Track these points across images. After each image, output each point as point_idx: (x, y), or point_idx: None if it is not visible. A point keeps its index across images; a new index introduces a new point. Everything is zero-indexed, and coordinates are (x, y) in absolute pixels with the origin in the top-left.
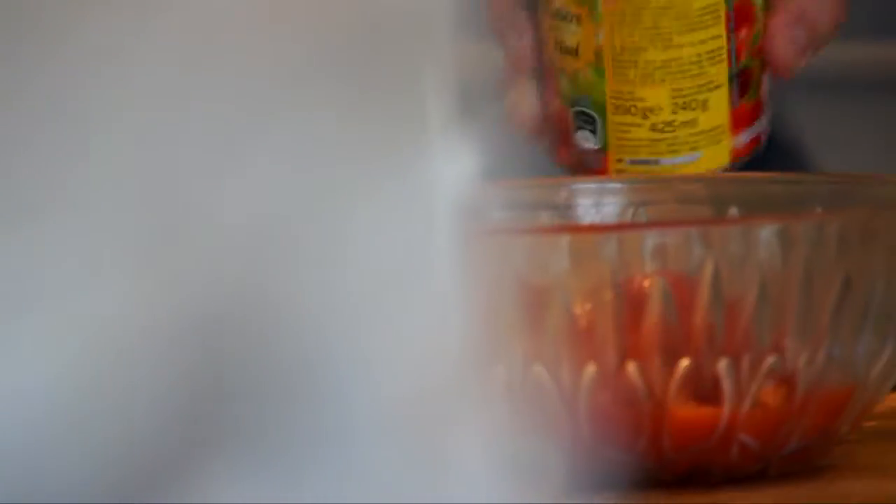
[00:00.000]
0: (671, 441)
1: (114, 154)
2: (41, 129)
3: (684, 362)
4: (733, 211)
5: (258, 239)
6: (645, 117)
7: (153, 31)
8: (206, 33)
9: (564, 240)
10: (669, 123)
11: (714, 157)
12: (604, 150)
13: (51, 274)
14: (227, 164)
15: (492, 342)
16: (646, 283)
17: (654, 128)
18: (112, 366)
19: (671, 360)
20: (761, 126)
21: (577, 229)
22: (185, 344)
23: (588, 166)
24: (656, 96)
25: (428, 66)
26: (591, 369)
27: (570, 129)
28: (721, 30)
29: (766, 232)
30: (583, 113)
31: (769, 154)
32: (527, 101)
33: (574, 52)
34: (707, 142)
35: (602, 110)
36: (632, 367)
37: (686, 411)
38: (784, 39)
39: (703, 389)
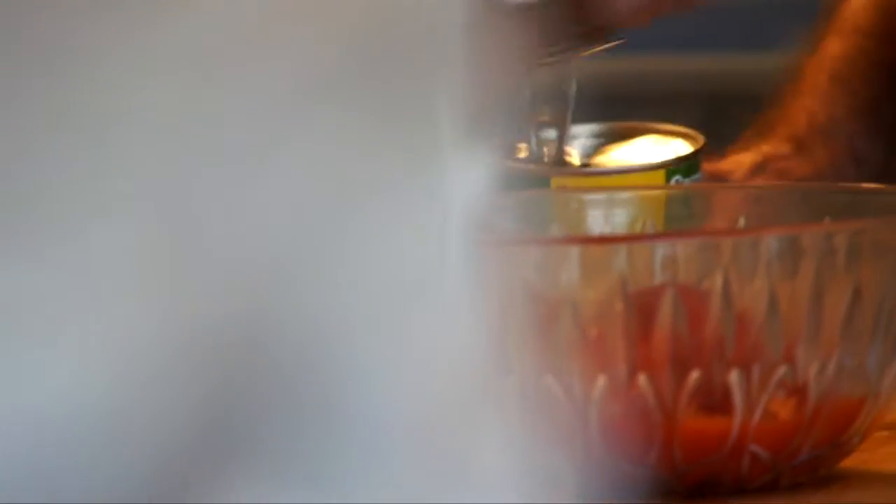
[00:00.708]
0: (682, 452)
1: (130, 167)
2: (56, 143)
3: (695, 373)
4: (742, 221)
5: (274, 251)
6: None
7: (168, 38)
8: (222, 41)
9: (575, 251)
10: None
11: None
12: None
13: (69, 294)
14: (243, 176)
15: (503, 353)
16: (656, 294)
17: None
18: (131, 382)
19: (682, 371)
20: None
21: (587, 240)
22: (204, 355)
23: None
24: None
25: (442, 76)
26: (601, 381)
27: None
28: None
29: (776, 242)
30: None
31: None
32: None
33: None
34: None
35: None
36: (642, 379)
37: (697, 422)
38: None
39: (714, 400)
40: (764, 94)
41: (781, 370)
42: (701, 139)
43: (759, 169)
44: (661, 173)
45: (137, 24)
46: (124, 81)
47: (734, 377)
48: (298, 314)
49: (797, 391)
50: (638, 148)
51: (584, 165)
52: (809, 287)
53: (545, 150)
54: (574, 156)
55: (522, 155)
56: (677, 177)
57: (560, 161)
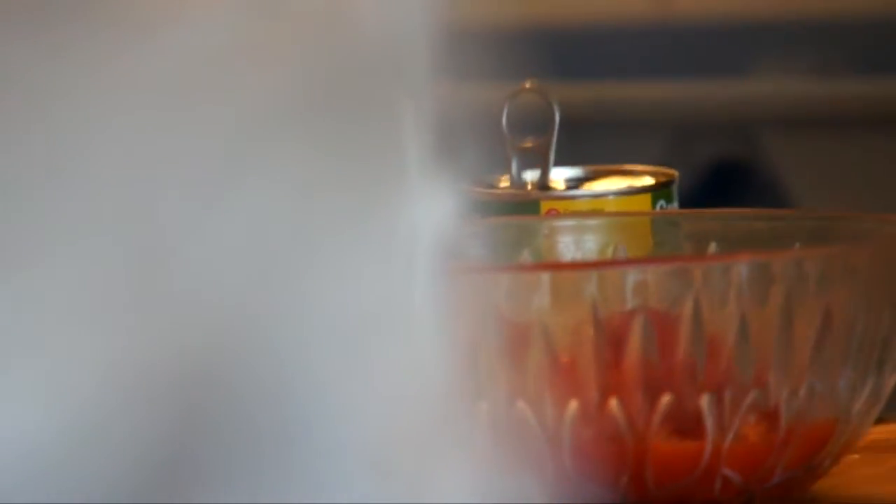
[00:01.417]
0: (654, 476)
1: (89, 200)
2: (14, 175)
3: (666, 398)
4: (713, 247)
5: (235, 283)
6: None
7: (129, 73)
8: (182, 76)
9: (545, 277)
10: None
11: None
12: None
13: (32, 325)
14: (204, 209)
15: (475, 380)
16: (627, 320)
17: None
18: (89, 415)
19: (653, 395)
20: None
21: (557, 267)
22: (165, 388)
23: None
24: None
25: (407, 105)
26: (573, 406)
27: None
28: None
29: (747, 268)
30: None
31: (748, 192)
32: None
33: None
34: None
35: None
36: (614, 403)
37: (669, 446)
38: None
39: (686, 424)
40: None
41: (753, 394)
42: (674, 172)
43: None
44: (647, 197)
45: (97, 59)
46: (84, 116)
47: (705, 401)
48: (260, 347)
49: (769, 415)
50: (615, 182)
51: (572, 189)
52: (780, 312)
53: (528, 176)
54: (558, 182)
55: (504, 183)
56: (661, 202)
57: (545, 186)
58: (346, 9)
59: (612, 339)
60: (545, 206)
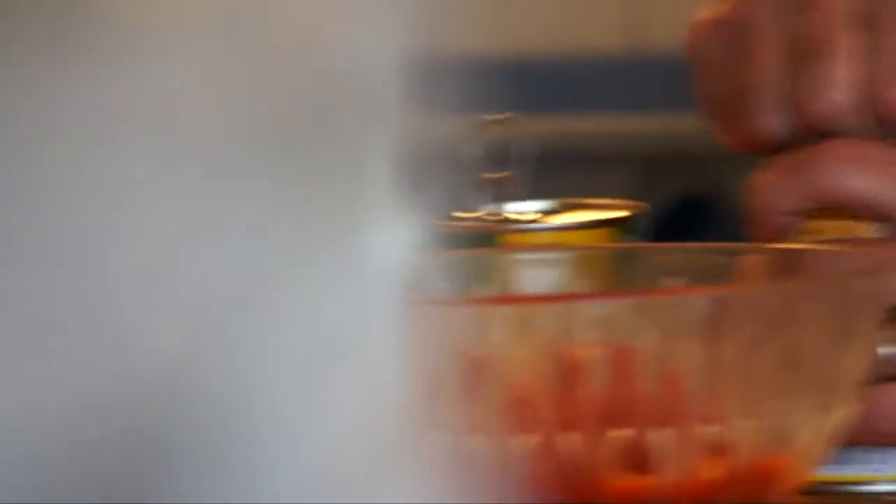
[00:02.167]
0: None
1: (48, 226)
2: None
3: (622, 433)
4: (673, 281)
5: (195, 312)
6: None
7: (101, 104)
8: (150, 107)
9: (503, 311)
10: None
11: None
12: None
13: None
14: (166, 239)
15: (432, 411)
16: (585, 354)
17: None
18: (43, 445)
19: (609, 430)
20: None
21: (515, 300)
22: (122, 416)
23: None
24: None
25: (375, 136)
26: (529, 440)
27: None
28: None
29: (706, 303)
30: None
31: (710, 224)
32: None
33: None
34: None
35: None
36: (569, 438)
37: (624, 482)
38: None
39: (641, 460)
40: (705, 156)
41: (707, 430)
42: (642, 205)
43: None
44: (608, 231)
45: (67, 88)
46: (50, 146)
47: (660, 437)
48: (218, 375)
49: (721, 449)
50: (579, 215)
51: (531, 222)
52: (736, 347)
53: (492, 208)
54: (524, 214)
55: (469, 215)
56: (627, 235)
57: (507, 219)
58: (316, 39)
59: (569, 374)
60: (505, 238)
